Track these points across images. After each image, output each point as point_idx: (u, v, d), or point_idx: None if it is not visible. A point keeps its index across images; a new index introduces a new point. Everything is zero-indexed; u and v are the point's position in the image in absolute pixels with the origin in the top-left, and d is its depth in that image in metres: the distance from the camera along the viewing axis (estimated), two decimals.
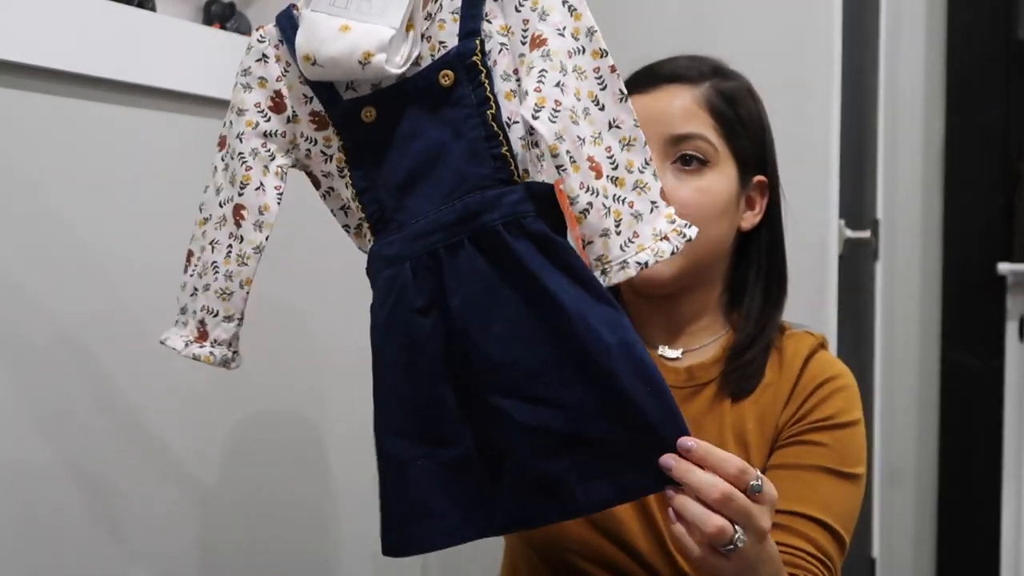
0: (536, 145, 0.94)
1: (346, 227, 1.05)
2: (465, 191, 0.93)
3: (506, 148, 0.93)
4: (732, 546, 0.87)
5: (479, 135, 0.93)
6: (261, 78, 1.00)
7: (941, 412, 2.47)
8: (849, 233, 1.93)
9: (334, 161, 1.00)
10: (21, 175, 1.18)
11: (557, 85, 0.91)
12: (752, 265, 1.23)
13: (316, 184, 1.03)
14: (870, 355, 2.27)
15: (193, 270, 1.03)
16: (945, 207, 2.44)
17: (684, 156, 1.16)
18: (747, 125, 1.19)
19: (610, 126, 0.93)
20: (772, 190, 1.21)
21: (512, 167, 0.93)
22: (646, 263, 0.91)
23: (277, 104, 1.01)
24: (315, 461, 1.65)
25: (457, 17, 0.95)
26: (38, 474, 1.20)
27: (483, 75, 0.94)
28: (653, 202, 0.94)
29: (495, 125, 0.93)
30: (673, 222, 0.94)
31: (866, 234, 2.06)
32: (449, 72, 0.94)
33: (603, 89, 0.93)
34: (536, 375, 0.91)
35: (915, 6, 2.45)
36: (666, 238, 0.93)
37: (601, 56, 0.93)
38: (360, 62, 0.92)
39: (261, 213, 1.00)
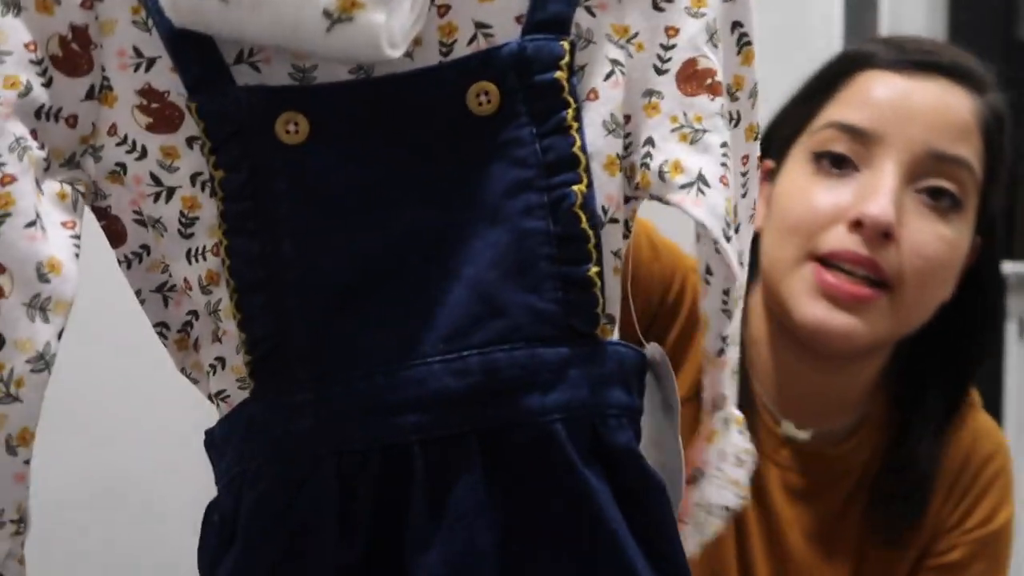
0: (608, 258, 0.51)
1: (161, 326, 0.58)
2: (493, 335, 0.49)
3: (596, 268, 0.50)
4: None
5: (541, 228, 0.49)
6: None
7: None
8: None
9: (176, 201, 0.52)
10: None
11: (742, 178, 0.56)
12: (938, 342, 0.90)
13: (115, 237, 0.56)
14: None
15: None
16: None
17: (936, 189, 0.83)
18: (1006, 165, 0.89)
19: (740, 260, 0.56)
20: (988, 251, 0.92)
21: (599, 307, 0.50)
22: (725, 508, 0.59)
23: (71, 56, 0.51)
24: None
25: None
26: None
27: (569, 112, 0.50)
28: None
29: (583, 217, 0.49)
30: (742, 432, 0.61)
31: None
32: (491, 88, 0.49)
33: (743, 196, 0.57)
34: None
35: (915, 6, 2.45)
36: (741, 463, 0.60)
37: (754, 137, 0.57)
38: (330, 14, 0.45)
39: (43, 278, 0.50)
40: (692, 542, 0.57)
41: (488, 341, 0.48)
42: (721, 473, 0.57)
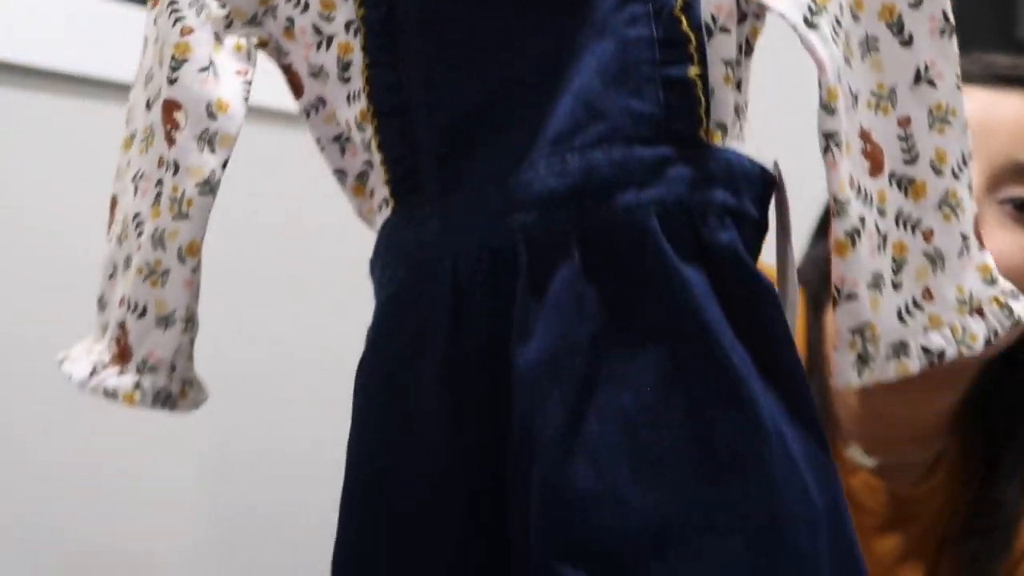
0: (738, 87, 0.51)
1: (339, 173, 0.64)
2: (593, 137, 0.49)
3: (698, 70, 0.49)
4: None
5: (645, 36, 0.49)
6: None
7: None
8: None
9: (334, 48, 0.58)
10: (23, 177, 1.18)
11: None
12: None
13: (297, 89, 0.62)
14: None
15: (113, 233, 0.64)
16: None
17: (1018, 199, 0.80)
18: None
19: (917, 77, 0.52)
20: None
21: (701, 108, 0.50)
22: (941, 354, 0.51)
23: None
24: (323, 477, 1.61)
25: None
26: None
27: None
28: (964, 236, 0.54)
29: (684, 20, 0.49)
30: (993, 282, 0.54)
31: None
32: None
33: (915, 6, 0.52)
34: (663, 539, 0.46)
35: None
36: (979, 311, 0.53)
37: None
38: None
39: (211, 115, 0.57)
40: (848, 371, 0.52)
41: (587, 143, 0.50)
42: (946, 316, 0.52)
